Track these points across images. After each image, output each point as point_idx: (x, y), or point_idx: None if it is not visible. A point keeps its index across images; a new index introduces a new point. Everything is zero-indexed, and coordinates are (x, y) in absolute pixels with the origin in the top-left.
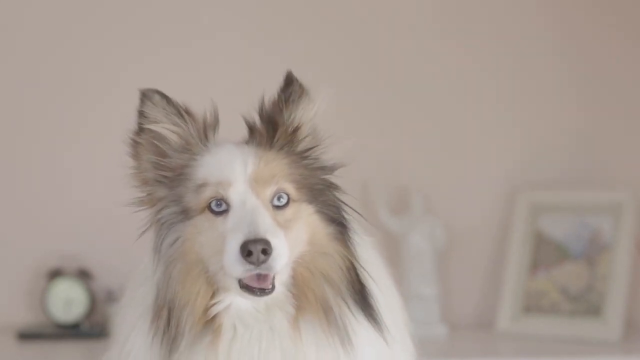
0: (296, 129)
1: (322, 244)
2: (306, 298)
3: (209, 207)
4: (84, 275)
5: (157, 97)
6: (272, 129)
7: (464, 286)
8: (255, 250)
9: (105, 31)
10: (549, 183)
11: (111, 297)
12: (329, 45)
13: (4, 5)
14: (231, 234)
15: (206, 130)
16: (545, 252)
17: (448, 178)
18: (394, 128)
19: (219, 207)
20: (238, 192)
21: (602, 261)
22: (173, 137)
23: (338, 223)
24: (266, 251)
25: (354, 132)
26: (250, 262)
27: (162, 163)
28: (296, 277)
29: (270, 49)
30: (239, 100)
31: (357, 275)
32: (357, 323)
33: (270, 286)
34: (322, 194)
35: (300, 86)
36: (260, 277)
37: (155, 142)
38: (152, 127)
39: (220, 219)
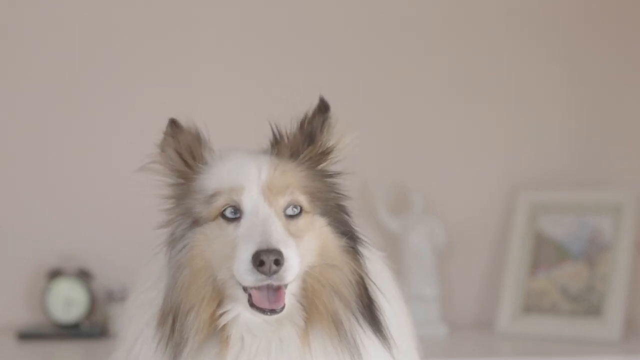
0: (327, 151)
1: (333, 256)
2: (317, 310)
3: (221, 214)
4: (84, 275)
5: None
6: (307, 143)
7: (464, 286)
8: (267, 260)
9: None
10: (549, 183)
11: (111, 297)
12: (329, 45)
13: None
14: (243, 243)
15: (194, 154)
16: (545, 252)
17: (448, 178)
18: (394, 128)
19: (233, 215)
20: (251, 199)
21: (602, 261)
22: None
23: (349, 237)
24: (278, 262)
25: (353, 131)
26: (262, 272)
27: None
28: (306, 289)
29: (270, 51)
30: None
31: (366, 289)
32: (366, 338)
33: (281, 306)
34: (335, 209)
35: (332, 114)
36: (271, 296)
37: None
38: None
39: (232, 225)
